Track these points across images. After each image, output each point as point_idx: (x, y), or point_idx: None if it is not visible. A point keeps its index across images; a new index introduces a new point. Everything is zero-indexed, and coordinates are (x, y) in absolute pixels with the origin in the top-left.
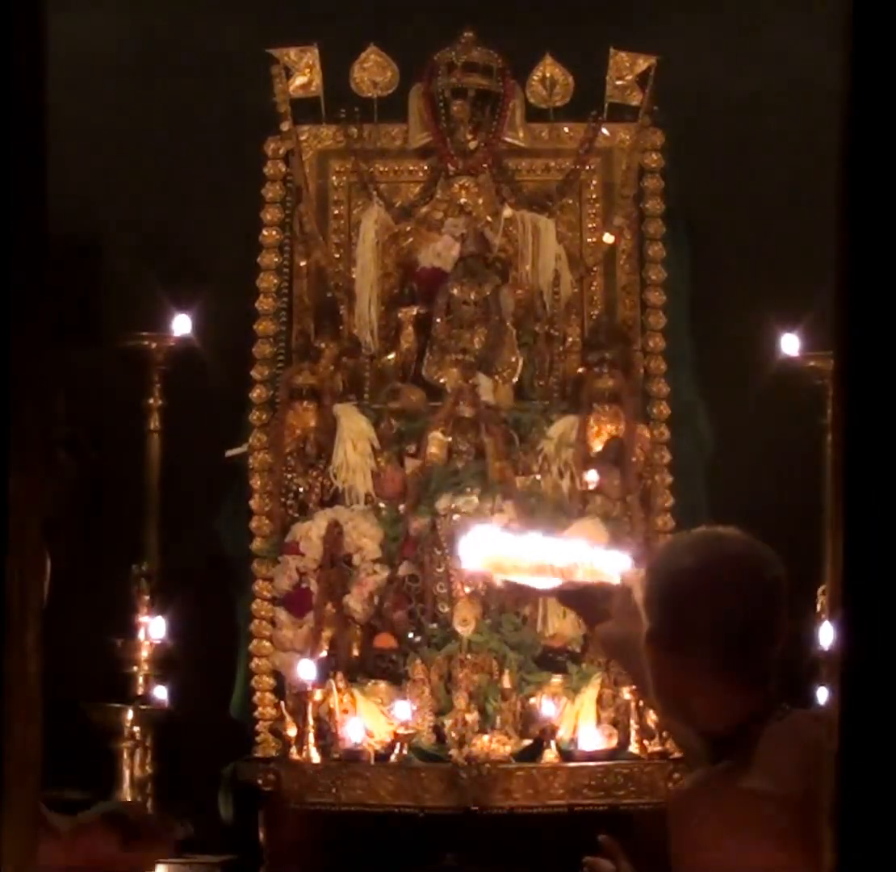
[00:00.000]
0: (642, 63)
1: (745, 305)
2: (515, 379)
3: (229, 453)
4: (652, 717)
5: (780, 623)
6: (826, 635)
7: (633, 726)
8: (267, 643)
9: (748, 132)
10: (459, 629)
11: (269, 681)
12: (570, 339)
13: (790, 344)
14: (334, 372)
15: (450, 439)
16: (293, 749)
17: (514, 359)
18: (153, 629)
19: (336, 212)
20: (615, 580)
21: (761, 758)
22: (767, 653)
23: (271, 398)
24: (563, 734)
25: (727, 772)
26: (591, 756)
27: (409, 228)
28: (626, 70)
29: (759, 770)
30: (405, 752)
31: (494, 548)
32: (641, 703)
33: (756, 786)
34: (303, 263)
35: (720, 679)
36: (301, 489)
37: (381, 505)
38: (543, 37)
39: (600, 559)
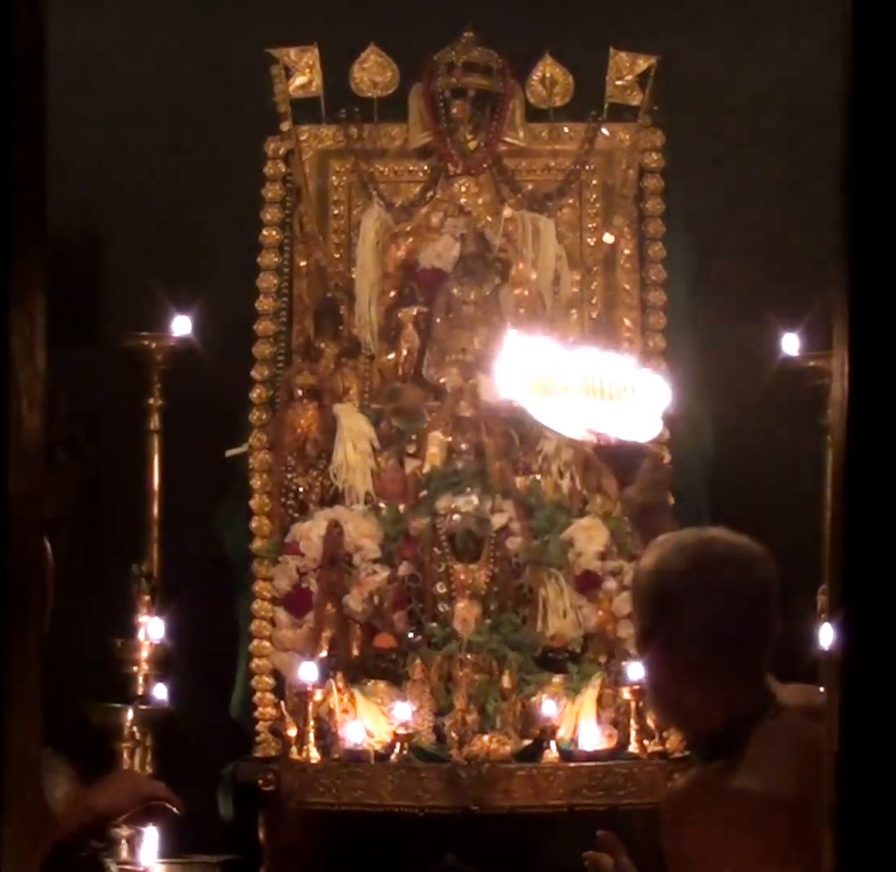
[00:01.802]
0: (642, 63)
1: (745, 305)
2: None
3: (229, 453)
4: (652, 717)
5: (770, 623)
6: (826, 635)
7: (633, 726)
8: (267, 643)
9: (748, 132)
10: (459, 629)
11: (269, 681)
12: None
13: (790, 344)
14: (334, 372)
15: (450, 439)
16: (293, 749)
17: None
18: (153, 629)
19: (336, 212)
20: (649, 438)
21: (753, 757)
22: (758, 653)
23: (271, 398)
24: (563, 734)
25: (719, 772)
26: (591, 756)
27: (409, 228)
28: (626, 70)
29: (751, 770)
30: (405, 752)
31: (544, 367)
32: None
33: (747, 785)
34: (303, 263)
35: (711, 679)
36: (301, 489)
37: (381, 505)
38: (543, 37)
39: (643, 384)
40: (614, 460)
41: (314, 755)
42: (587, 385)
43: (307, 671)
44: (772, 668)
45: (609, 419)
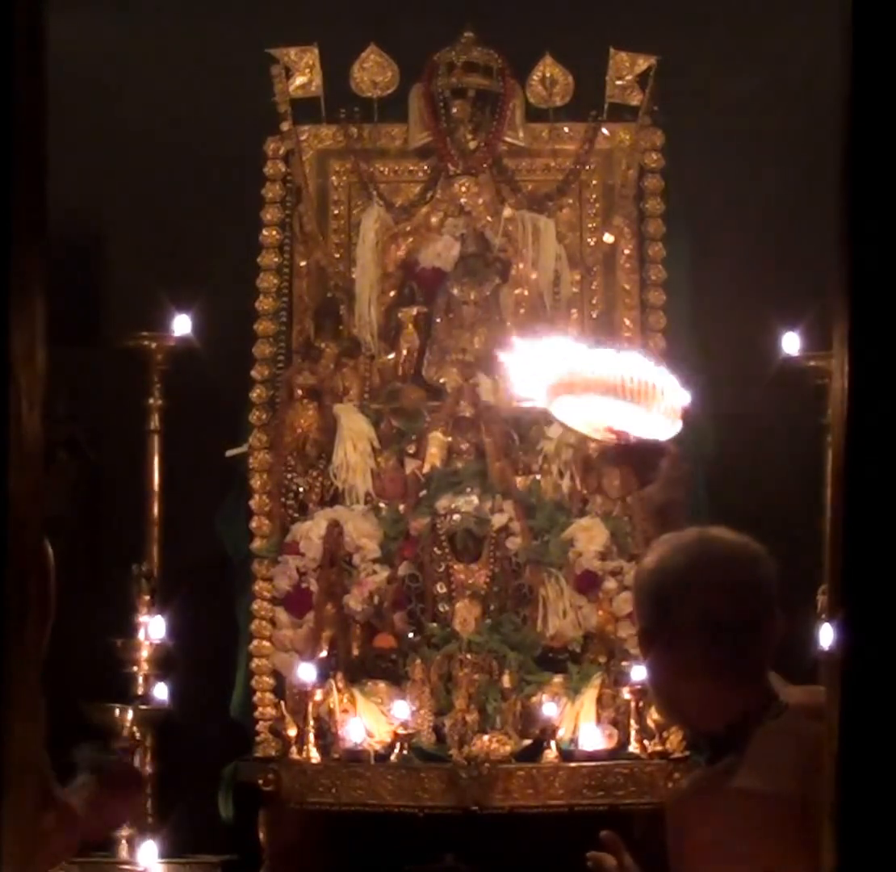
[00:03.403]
0: (642, 63)
1: (746, 305)
2: None
3: (229, 452)
4: (652, 717)
5: (771, 623)
6: (826, 635)
7: (633, 726)
8: (267, 643)
9: (748, 132)
10: (459, 629)
11: (269, 681)
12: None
13: (790, 344)
14: (334, 372)
15: (450, 439)
16: (293, 749)
17: None
18: (153, 629)
19: (336, 212)
20: (668, 437)
21: (755, 757)
22: (759, 652)
23: (271, 398)
24: (563, 734)
25: (722, 772)
26: (591, 756)
27: (409, 228)
28: (626, 70)
29: (753, 769)
30: (405, 752)
31: (565, 366)
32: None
33: (749, 785)
34: (303, 263)
35: (712, 679)
36: (301, 489)
37: (381, 505)
38: (543, 37)
39: (664, 382)
40: (634, 460)
41: (314, 756)
42: (609, 384)
43: (307, 671)
44: (775, 668)
45: (630, 418)
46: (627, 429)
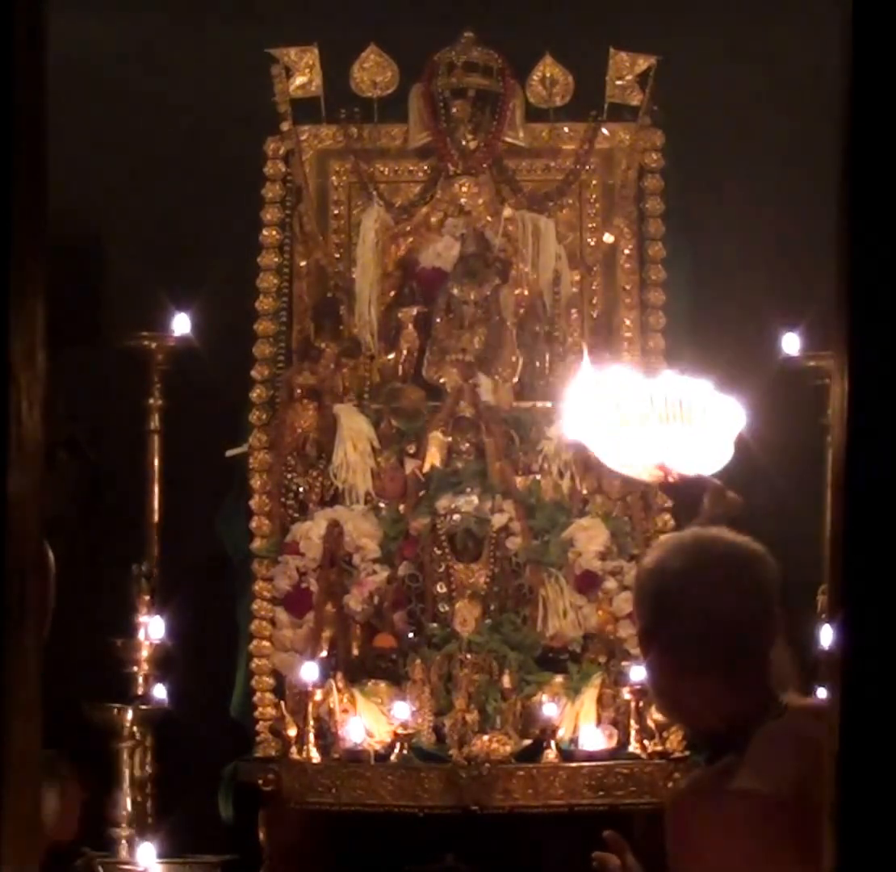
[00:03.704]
0: (642, 63)
1: (746, 305)
2: (515, 379)
3: (229, 452)
4: (652, 716)
5: (772, 623)
6: (826, 635)
7: (633, 726)
8: (267, 643)
9: (748, 132)
10: (459, 629)
11: (269, 681)
12: (569, 339)
13: (790, 344)
14: (334, 372)
15: (450, 439)
16: (293, 749)
17: (514, 359)
18: (153, 629)
19: (336, 212)
20: (713, 471)
21: (755, 757)
22: (760, 652)
23: (271, 398)
24: (563, 734)
25: (722, 772)
26: (591, 756)
27: (409, 228)
28: (626, 70)
29: (752, 770)
30: (405, 752)
31: (618, 396)
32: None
33: (748, 786)
34: (303, 263)
35: (712, 679)
36: (301, 489)
37: (381, 505)
38: (543, 37)
39: (719, 407)
40: (679, 495)
41: (314, 756)
42: (663, 412)
43: (307, 671)
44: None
45: (682, 449)
46: (676, 463)
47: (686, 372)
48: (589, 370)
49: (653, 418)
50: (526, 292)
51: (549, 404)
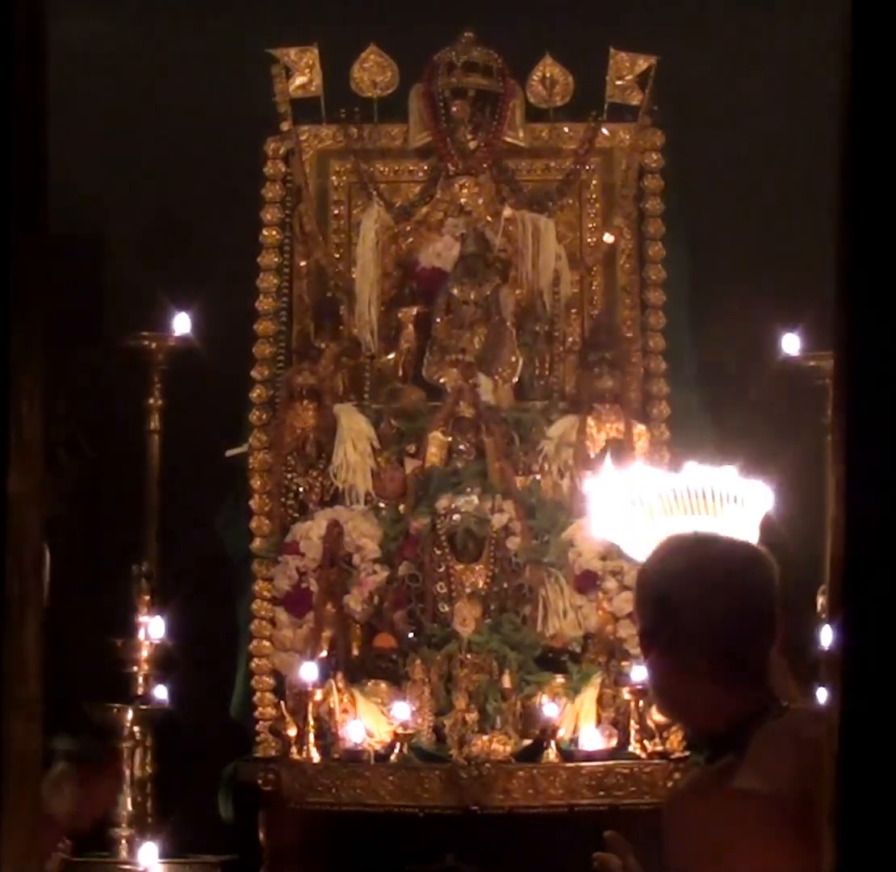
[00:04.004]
0: (642, 63)
1: (746, 305)
2: (515, 379)
3: (229, 452)
4: (652, 717)
5: (773, 623)
6: (826, 635)
7: (633, 726)
8: (267, 643)
9: (748, 132)
10: (459, 629)
11: (269, 681)
12: (570, 339)
13: (790, 344)
14: (334, 372)
15: (450, 439)
16: (293, 749)
17: (514, 359)
18: (153, 629)
19: (336, 212)
20: None
21: (755, 757)
22: (761, 653)
23: (271, 398)
24: (563, 734)
25: (721, 772)
26: (591, 756)
27: (409, 228)
28: (626, 70)
29: (752, 770)
30: (405, 752)
31: (643, 492)
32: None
33: (747, 786)
34: (303, 263)
35: (713, 680)
36: (301, 489)
37: (381, 505)
38: (543, 37)
39: (747, 493)
40: None
41: (314, 756)
42: (688, 505)
43: (307, 671)
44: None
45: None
46: None
47: (708, 462)
48: (611, 469)
49: (679, 512)
50: (526, 292)
51: (547, 404)
